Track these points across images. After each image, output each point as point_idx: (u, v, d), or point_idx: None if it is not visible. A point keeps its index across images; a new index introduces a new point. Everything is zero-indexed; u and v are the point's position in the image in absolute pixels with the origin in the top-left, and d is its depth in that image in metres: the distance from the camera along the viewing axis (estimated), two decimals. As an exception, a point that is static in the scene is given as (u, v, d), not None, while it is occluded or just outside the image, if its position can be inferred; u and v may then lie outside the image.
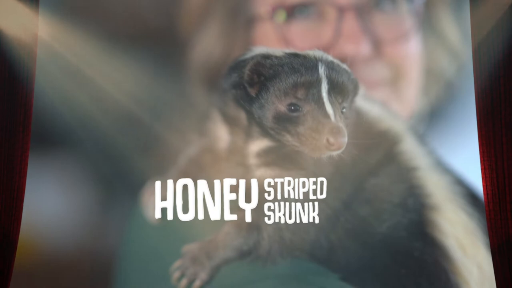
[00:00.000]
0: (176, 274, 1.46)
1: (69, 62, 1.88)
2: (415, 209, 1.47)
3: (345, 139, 1.28)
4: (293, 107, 1.32)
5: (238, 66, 1.39)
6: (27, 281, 3.67)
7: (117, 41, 1.83)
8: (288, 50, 1.39)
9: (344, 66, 1.38)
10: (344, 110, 1.34)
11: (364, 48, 1.74)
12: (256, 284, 1.42)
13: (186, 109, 1.87)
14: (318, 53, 1.37)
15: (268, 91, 1.34)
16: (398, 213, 1.45)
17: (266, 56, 1.36)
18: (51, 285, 3.70)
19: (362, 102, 1.45)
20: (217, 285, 1.45)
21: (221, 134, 1.50)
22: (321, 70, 1.32)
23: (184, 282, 1.45)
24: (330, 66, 1.33)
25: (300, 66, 1.33)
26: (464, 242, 1.47)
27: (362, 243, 1.44)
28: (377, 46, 1.77)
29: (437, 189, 1.49)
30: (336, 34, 1.73)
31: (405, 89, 1.84)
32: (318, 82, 1.31)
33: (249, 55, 1.41)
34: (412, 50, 1.83)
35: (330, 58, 1.37)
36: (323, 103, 1.30)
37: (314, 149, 1.30)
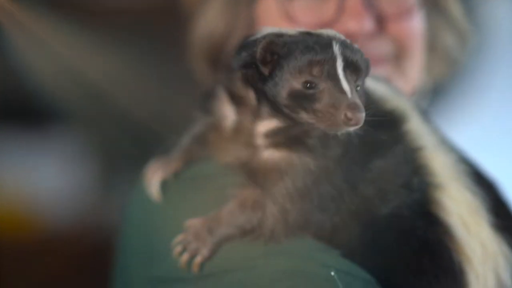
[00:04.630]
0: (178, 249, 1.45)
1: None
2: (419, 188, 1.46)
3: (363, 114, 1.26)
4: (308, 85, 1.30)
5: (248, 45, 1.38)
6: (28, 257, 3.69)
7: (119, 18, 1.82)
8: (301, 29, 1.37)
9: (356, 46, 1.37)
10: (358, 88, 1.33)
11: (367, 24, 1.72)
12: (258, 261, 1.42)
13: (190, 85, 1.86)
14: (331, 32, 1.35)
15: (282, 69, 1.32)
16: (403, 193, 1.45)
17: (279, 35, 1.34)
18: (51, 261, 3.72)
19: (368, 81, 1.44)
20: (217, 260, 1.44)
21: (227, 113, 1.49)
22: (336, 48, 1.30)
23: (185, 256, 1.44)
24: (344, 44, 1.32)
25: (315, 44, 1.31)
26: (468, 221, 1.46)
27: (365, 224, 1.44)
28: (381, 22, 1.76)
29: (442, 168, 1.48)
30: (339, 10, 1.72)
31: (408, 66, 1.83)
32: (333, 60, 1.29)
33: (259, 35, 1.39)
34: (415, 27, 1.82)
35: (343, 37, 1.35)
36: (339, 80, 1.29)
37: (332, 125, 1.29)
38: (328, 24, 1.72)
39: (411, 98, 1.77)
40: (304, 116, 1.33)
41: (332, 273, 1.37)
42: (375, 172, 1.45)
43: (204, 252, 1.44)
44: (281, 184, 1.42)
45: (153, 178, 1.58)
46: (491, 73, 3.32)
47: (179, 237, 1.46)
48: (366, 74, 1.38)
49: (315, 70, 1.31)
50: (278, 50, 1.33)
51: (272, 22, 1.78)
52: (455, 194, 1.47)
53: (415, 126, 1.52)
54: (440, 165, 1.49)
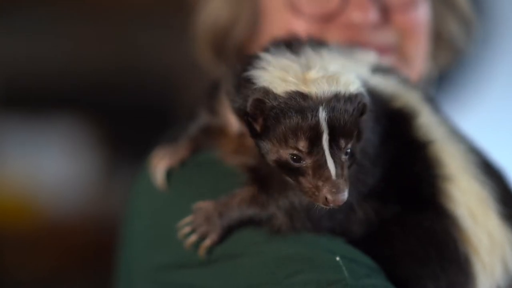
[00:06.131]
0: (185, 229, 1.44)
1: None
2: (428, 181, 1.46)
3: (344, 197, 1.26)
4: (295, 157, 1.29)
5: (241, 84, 1.35)
6: (32, 245, 3.70)
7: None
8: (290, 87, 1.30)
9: (352, 89, 1.30)
10: (349, 150, 1.30)
11: (371, 15, 1.71)
12: (261, 246, 1.42)
13: (197, 72, 1.85)
14: (320, 90, 1.28)
15: (269, 133, 1.30)
16: (412, 187, 1.45)
17: (266, 93, 1.30)
18: (55, 250, 3.73)
19: (377, 78, 1.42)
20: (222, 245, 1.45)
21: (231, 121, 1.48)
22: (322, 117, 1.26)
23: (193, 238, 1.43)
24: (332, 107, 1.26)
25: (300, 112, 1.27)
26: (476, 211, 1.46)
27: (372, 217, 1.45)
28: (385, 12, 1.75)
29: (451, 159, 1.48)
30: (344, 1, 1.71)
31: (413, 55, 1.82)
32: (320, 132, 1.26)
33: (253, 69, 1.35)
34: (421, 17, 1.80)
35: (334, 90, 1.28)
36: (324, 157, 1.26)
37: (314, 201, 1.29)
38: (333, 15, 1.71)
39: (418, 86, 1.77)
40: (290, 180, 1.33)
41: (337, 259, 1.38)
42: (386, 173, 1.44)
43: (213, 236, 1.44)
44: (286, 194, 1.42)
45: (159, 166, 1.58)
46: (496, 61, 3.32)
47: (188, 218, 1.45)
48: (361, 116, 1.34)
49: (301, 144, 1.28)
50: (266, 110, 1.30)
51: (276, 13, 1.77)
52: (463, 185, 1.47)
53: (426, 120, 1.51)
54: (449, 156, 1.48)
